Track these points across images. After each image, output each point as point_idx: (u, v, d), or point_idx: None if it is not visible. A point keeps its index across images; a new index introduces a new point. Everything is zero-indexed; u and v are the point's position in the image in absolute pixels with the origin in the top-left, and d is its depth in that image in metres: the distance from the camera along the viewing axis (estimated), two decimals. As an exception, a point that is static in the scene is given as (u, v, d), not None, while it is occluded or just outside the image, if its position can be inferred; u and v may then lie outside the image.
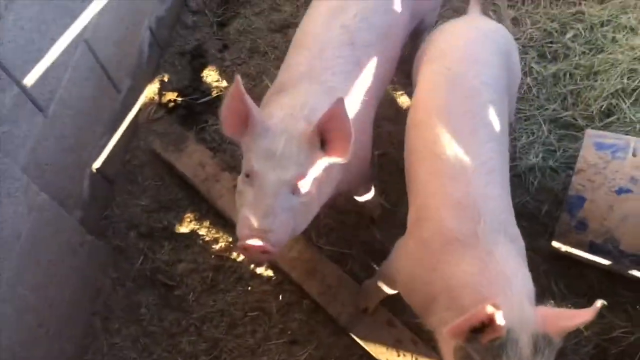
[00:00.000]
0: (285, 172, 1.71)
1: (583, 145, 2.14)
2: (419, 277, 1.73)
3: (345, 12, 2.08)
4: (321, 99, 1.89)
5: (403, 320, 2.30)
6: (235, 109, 1.75)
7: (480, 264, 1.58)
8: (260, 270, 2.52)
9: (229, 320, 2.44)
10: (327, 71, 1.98)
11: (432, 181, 1.80)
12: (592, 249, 2.13)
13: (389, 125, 2.74)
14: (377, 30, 2.10)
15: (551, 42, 2.92)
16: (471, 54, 2.01)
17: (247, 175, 1.76)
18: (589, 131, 2.22)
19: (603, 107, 2.63)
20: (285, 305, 2.44)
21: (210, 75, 3.07)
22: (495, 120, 1.91)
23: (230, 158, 2.80)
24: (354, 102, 2.01)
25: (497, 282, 1.54)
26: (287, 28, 3.15)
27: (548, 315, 1.46)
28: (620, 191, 2.02)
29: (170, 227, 2.67)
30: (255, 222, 1.69)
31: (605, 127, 2.54)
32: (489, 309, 1.34)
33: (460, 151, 1.79)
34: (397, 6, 2.17)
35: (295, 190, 1.74)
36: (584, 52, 2.85)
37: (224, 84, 3.05)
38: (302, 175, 1.74)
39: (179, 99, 2.99)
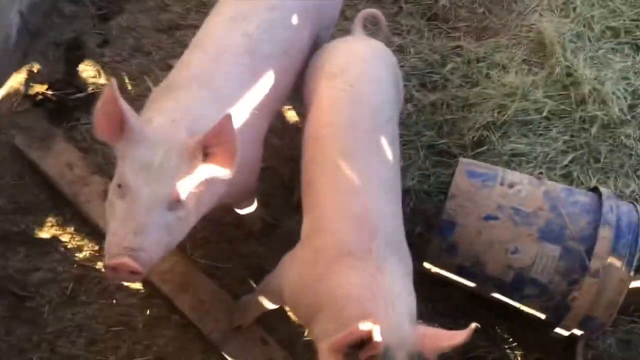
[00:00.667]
0: (162, 186, 1.60)
1: (456, 173, 2.24)
2: (308, 287, 1.69)
3: (249, 21, 2.02)
4: (208, 107, 1.80)
5: (277, 338, 2.25)
6: (109, 113, 1.60)
7: (368, 278, 1.59)
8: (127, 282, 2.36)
9: (88, 336, 2.26)
10: (221, 77, 1.89)
11: (332, 194, 1.79)
12: (459, 272, 2.23)
13: (274, 138, 2.71)
14: (279, 44, 2.06)
15: (432, 73, 3.06)
16: (371, 72, 2.05)
17: (120, 186, 1.62)
18: (462, 160, 2.33)
19: (475, 137, 2.79)
20: (152, 320, 2.30)
21: (87, 70, 2.87)
22: (395, 139, 1.96)
23: (102, 160, 2.62)
24: (245, 114, 1.92)
25: (381, 298, 1.55)
26: (174, 29, 3.04)
27: (427, 334, 1.50)
28: (488, 218, 2.14)
29: (27, 231, 2.43)
30: (124, 240, 1.56)
31: (476, 157, 2.69)
32: (367, 326, 1.33)
33: (363, 168, 1.80)
34: (300, 22, 2.15)
35: (171, 206, 1.62)
36: (460, 85, 3.02)
37: (101, 80, 2.86)
38: (180, 191, 1.63)
39: (49, 92, 2.75)
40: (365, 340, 1.39)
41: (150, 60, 2.93)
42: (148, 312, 2.31)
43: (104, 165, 2.60)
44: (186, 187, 1.65)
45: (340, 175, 1.79)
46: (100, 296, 2.34)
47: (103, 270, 1.63)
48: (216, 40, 1.99)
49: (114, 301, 2.33)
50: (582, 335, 2.19)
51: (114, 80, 1.58)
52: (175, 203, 1.63)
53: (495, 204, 2.15)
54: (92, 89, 2.82)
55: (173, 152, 1.62)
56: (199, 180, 1.69)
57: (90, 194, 2.46)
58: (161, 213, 1.60)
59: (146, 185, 1.59)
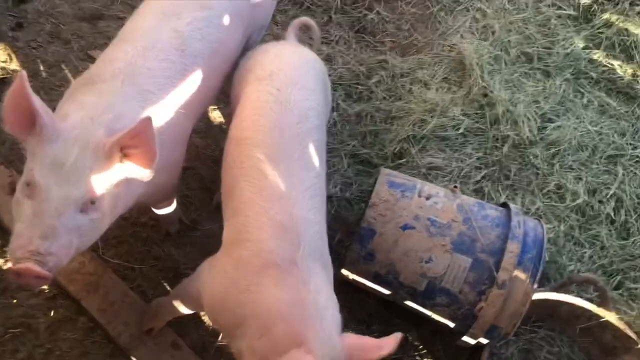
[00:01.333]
0: (75, 188, 1.52)
1: (377, 182, 2.29)
2: (231, 298, 1.63)
3: (179, 18, 1.95)
4: (131, 104, 1.72)
5: (189, 342, 2.20)
6: (19, 106, 1.50)
7: (295, 293, 1.56)
8: (31, 281, 2.22)
9: (-17, 338, 2.10)
10: (147, 73, 1.81)
11: (255, 200, 1.73)
12: (376, 279, 2.28)
13: (197, 138, 2.65)
14: (210, 43, 2.00)
15: (358, 84, 3.12)
16: (299, 79, 2.03)
17: (28, 184, 1.52)
18: (383, 170, 2.39)
19: (396, 149, 2.87)
20: (56, 322, 2.18)
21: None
22: (321, 147, 1.95)
23: (8, 151, 2.46)
24: (170, 113, 1.86)
25: (310, 315, 1.53)
26: (97, 19, 2.92)
27: (355, 346, 1.50)
28: (405, 227, 2.20)
29: None
30: (31, 244, 1.46)
31: (396, 168, 2.76)
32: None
33: (288, 173, 1.76)
34: (232, 23, 2.11)
35: (84, 208, 1.54)
36: (384, 98, 3.09)
37: (12, 66, 2.70)
38: (94, 193, 1.55)
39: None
40: None
41: (68, 49, 2.80)
42: (52, 313, 2.19)
43: (10, 156, 2.44)
44: (101, 188, 1.57)
45: (264, 180, 1.75)
46: (-1, 295, 2.19)
47: (7, 272, 1.50)
48: (145, 34, 1.90)
49: (15, 301, 2.19)
50: (487, 344, 2.29)
51: (23, 73, 1.48)
52: (88, 205, 1.55)
53: (412, 214, 2.22)
54: (2, 74, 2.65)
55: (88, 151, 1.54)
56: (115, 181, 1.61)
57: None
58: (72, 215, 1.52)
59: (57, 185, 1.50)
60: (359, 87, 3.11)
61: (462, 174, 2.84)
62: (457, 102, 3.04)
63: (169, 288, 2.31)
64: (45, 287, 2.22)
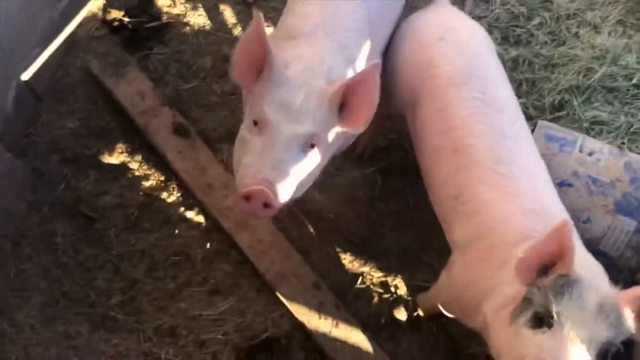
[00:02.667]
0: (301, 126, 1.62)
1: (534, 134, 2.13)
2: (483, 279, 1.67)
3: None
4: (338, 58, 1.79)
5: (329, 284, 2.28)
6: (252, 52, 1.63)
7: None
8: (190, 214, 2.41)
9: (149, 262, 2.34)
10: (340, 27, 1.86)
11: (499, 198, 1.74)
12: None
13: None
14: None
15: (516, 26, 2.88)
16: (494, 74, 1.95)
17: (255, 124, 1.65)
18: (541, 122, 2.22)
19: (556, 100, 2.64)
20: (211, 254, 2.36)
21: (162, -1, 2.86)
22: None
23: (172, 92, 2.64)
24: (363, 67, 1.88)
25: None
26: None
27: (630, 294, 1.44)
28: (562, 184, 2.04)
29: (98, 155, 2.50)
30: (261, 172, 1.58)
31: (554, 121, 2.54)
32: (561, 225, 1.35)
33: (525, 170, 1.77)
34: None
35: (306, 148, 1.65)
36: (546, 42, 2.83)
37: (176, 10, 2.85)
38: (316, 134, 1.66)
39: (125, 19, 2.76)
40: (555, 259, 1.41)
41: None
42: (208, 245, 2.36)
43: (173, 97, 2.62)
44: (322, 131, 1.68)
45: (505, 180, 1.74)
46: (162, 225, 2.40)
47: (237, 199, 1.66)
48: None
49: (176, 232, 2.39)
50: None
51: (260, 15, 1.57)
52: (309, 146, 1.66)
53: (571, 170, 2.06)
54: (166, 19, 2.81)
55: (313, 96, 1.64)
56: (332, 129, 1.71)
57: (159, 125, 2.50)
58: (297, 152, 1.63)
59: (286, 123, 1.62)
60: (518, 29, 2.88)
61: (631, 130, 2.55)
62: (633, 49, 2.71)
63: (312, 230, 2.39)
64: (202, 221, 2.40)
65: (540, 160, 1.86)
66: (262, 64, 1.64)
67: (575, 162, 2.07)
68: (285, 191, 1.62)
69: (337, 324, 2.20)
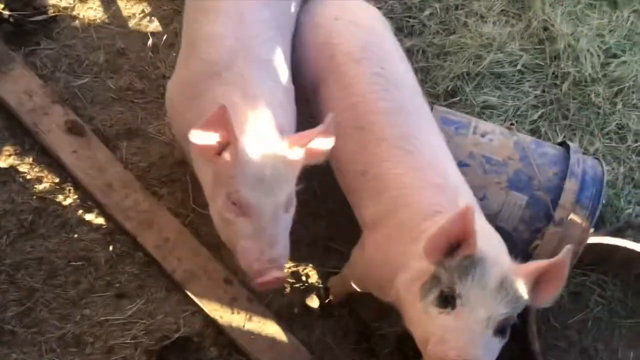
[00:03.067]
0: (279, 196, 1.65)
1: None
2: (394, 256, 1.73)
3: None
4: (269, 86, 1.79)
5: (241, 279, 2.26)
6: (214, 135, 1.60)
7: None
8: (89, 217, 2.30)
9: (48, 269, 2.21)
10: (253, 41, 1.83)
11: (404, 174, 1.80)
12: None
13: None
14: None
15: (409, 17, 2.99)
16: (390, 48, 2.01)
17: (234, 204, 1.63)
18: (437, 107, 2.32)
19: (449, 87, 2.78)
20: (114, 256, 2.26)
21: (47, -10, 2.69)
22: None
23: (64, 89, 2.50)
24: (286, 77, 1.91)
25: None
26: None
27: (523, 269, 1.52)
28: (459, 165, 2.13)
29: (-17, 160, 2.33)
30: (264, 255, 1.63)
31: (449, 106, 2.65)
32: (465, 210, 1.42)
33: (428, 144, 1.85)
34: None
35: (287, 208, 1.69)
36: (438, 32, 2.96)
37: (63, 3, 2.69)
38: (292, 191, 1.69)
39: (6, 12, 2.57)
40: (460, 240, 1.47)
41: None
42: (111, 248, 2.27)
43: (65, 94, 2.48)
44: (293, 184, 1.70)
45: (409, 155, 1.81)
46: (60, 230, 2.28)
47: (254, 285, 1.71)
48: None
49: (75, 236, 2.28)
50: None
51: (225, 107, 1.53)
52: (288, 203, 1.70)
53: (466, 151, 2.17)
54: (53, 12, 2.66)
55: (278, 161, 1.65)
56: (298, 173, 1.73)
57: (51, 124, 2.36)
58: (283, 218, 1.68)
59: (266, 198, 1.63)
60: (411, 20, 2.98)
61: (518, 112, 2.74)
62: (516, 37, 2.89)
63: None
64: (103, 222, 2.30)
65: (440, 134, 1.95)
66: (225, 147, 1.63)
67: (470, 144, 2.19)
68: (287, 253, 1.70)
69: (250, 317, 2.20)
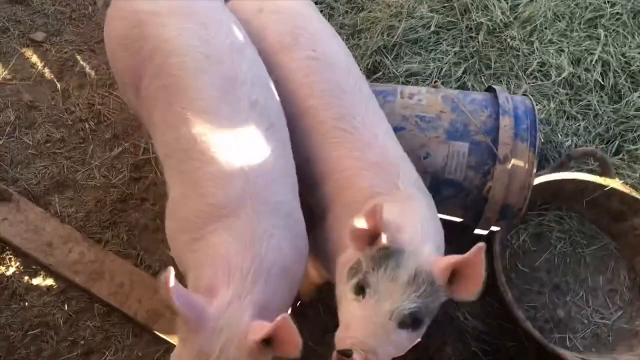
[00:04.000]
0: None
1: None
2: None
3: (242, 82, 1.65)
4: (284, 238, 1.56)
5: (206, 304, 2.20)
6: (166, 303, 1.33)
7: (403, 210, 1.64)
8: (36, 281, 2.21)
9: (5, 345, 2.11)
10: (262, 180, 1.58)
11: (346, 155, 1.76)
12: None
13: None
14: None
15: (316, 2, 2.96)
16: (318, 28, 1.94)
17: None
18: None
19: (369, 64, 2.76)
20: (73, 314, 2.18)
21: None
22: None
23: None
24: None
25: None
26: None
27: (440, 261, 1.46)
28: (395, 129, 2.12)
29: None
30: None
31: (373, 82, 2.66)
32: (372, 209, 1.39)
33: (366, 123, 1.80)
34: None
35: None
36: (347, 11, 2.94)
37: (-42, 69, 2.57)
38: None
39: None
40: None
41: (9, 37, 2.65)
42: (66, 307, 2.18)
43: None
44: None
45: (348, 135, 1.77)
46: (9, 301, 2.18)
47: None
48: (225, 123, 1.64)
49: (27, 303, 2.18)
50: (495, 233, 2.29)
51: (171, 271, 1.28)
52: None
53: (399, 115, 2.16)
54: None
55: (232, 345, 1.39)
56: None
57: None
58: None
59: None
60: (318, 5, 2.95)
61: (442, 73, 2.74)
62: (422, 1, 2.89)
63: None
64: (52, 283, 2.21)
65: (379, 110, 1.91)
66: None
67: (401, 108, 2.18)
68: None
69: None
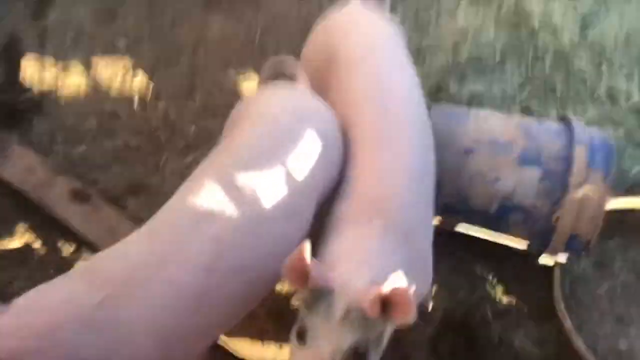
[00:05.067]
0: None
1: (431, 114, 2.21)
2: None
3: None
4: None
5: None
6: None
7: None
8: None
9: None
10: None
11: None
12: (446, 210, 2.23)
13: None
14: None
15: (383, 24, 3.03)
16: (390, 55, 2.00)
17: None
18: (434, 105, 2.35)
19: (433, 83, 2.79)
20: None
21: (30, 67, 2.77)
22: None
23: (64, 159, 2.58)
24: None
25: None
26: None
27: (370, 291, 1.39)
28: (466, 151, 2.15)
29: (-2, 242, 2.39)
30: None
31: (437, 102, 2.70)
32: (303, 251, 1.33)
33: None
34: None
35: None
36: (412, 34, 2.99)
37: (47, 76, 2.78)
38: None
39: (-5, 99, 2.67)
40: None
41: (94, 49, 2.85)
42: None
43: (66, 164, 2.55)
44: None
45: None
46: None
47: None
48: None
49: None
50: (556, 263, 2.27)
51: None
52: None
53: (471, 138, 2.18)
54: (39, 88, 2.74)
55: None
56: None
57: (56, 196, 2.43)
58: None
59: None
60: (386, 25, 3.02)
61: (506, 96, 2.76)
62: (489, 24, 2.91)
63: None
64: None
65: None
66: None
67: (473, 131, 2.20)
68: None
69: None
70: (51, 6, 2.95)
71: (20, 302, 1.34)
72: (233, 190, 1.56)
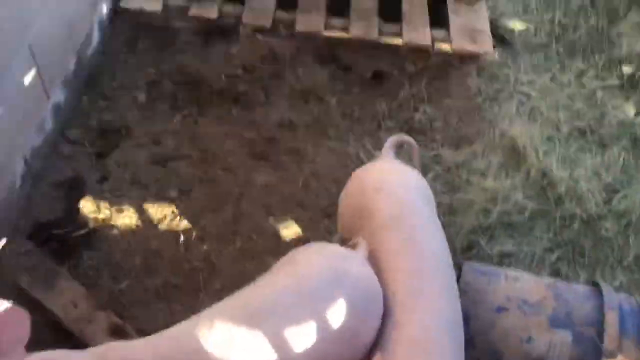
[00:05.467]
0: None
1: (463, 272, 2.29)
2: None
3: None
4: None
5: None
6: None
7: None
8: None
9: None
10: None
11: None
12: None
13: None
14: None
15: (415, 180, 3.22)
16: (422, 219, 2.07)
17: None
18: (466, 262, 2.42)
19: (464, 242, 2.92)
20: None
21: (87, 206, 2.99)
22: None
23: (107, 295, 2.68)
24: None
25: None
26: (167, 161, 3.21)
27: None
28: (499, 309, 2.18)
29: (33, 373, 2.42)
30: None
31: (467, 260, 2.78)
32: None
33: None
34: None
35: None
36: (443, 192, 3.18)
37: (101, 215, 2.98)
38: None
39: (52, 231, 2.85)
40: None
41: (147, 192, 3.08)
42: None
43: (108, 300, 2.65)
44: None
45: None
46: None
47: None
48: None
49: None
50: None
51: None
52: None
53: (503, 296, 2.23)
54: (93, 225, 2.93)
55: None
56: None
57: (95, 330, 2.49)
58: None
59: None
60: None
61: (535, 257, 2.84)
62: (517, 187, 3.09)
63: None
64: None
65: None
66: None
67: (505, 289, 2.26)
68: None
69: None
70: (114, 148, 3.25)
71: None
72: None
